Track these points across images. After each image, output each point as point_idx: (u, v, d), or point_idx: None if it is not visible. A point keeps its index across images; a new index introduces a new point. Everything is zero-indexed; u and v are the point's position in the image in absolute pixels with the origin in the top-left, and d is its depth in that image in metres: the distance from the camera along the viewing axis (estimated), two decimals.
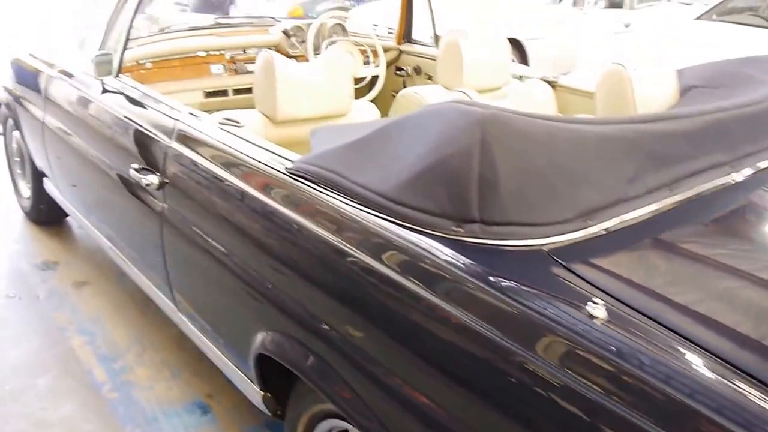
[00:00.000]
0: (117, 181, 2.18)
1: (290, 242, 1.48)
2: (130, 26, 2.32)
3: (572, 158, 1.28)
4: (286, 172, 1.50)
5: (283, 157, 1.58)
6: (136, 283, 2.36)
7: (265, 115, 2.05)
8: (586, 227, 1.21)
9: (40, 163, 3.00)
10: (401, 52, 3.55)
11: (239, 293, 1.64)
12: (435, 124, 1.27)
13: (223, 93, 3.10)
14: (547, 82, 2.81)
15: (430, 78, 3.39)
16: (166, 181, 1.88)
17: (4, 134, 3.52)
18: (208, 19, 3.51)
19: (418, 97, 2.56)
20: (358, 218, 1.30)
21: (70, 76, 2.61)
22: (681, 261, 1.29)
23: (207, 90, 3.04)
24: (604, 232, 1.22)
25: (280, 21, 3.35)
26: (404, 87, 3.51)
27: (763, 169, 1.56)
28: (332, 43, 3.20)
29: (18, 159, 3.47)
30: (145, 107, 2.12)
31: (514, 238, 1.16)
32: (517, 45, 6.41)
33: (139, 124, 2.07)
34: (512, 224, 1.18)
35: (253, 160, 1.63)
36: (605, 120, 1.36)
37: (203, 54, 3.03)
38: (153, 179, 1.90)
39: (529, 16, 6.62)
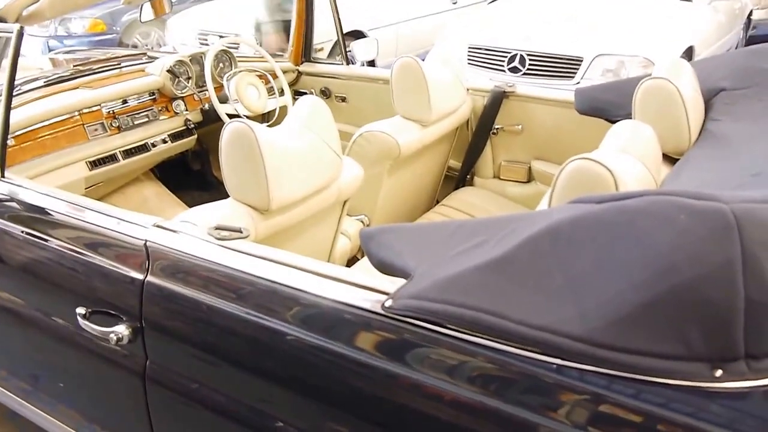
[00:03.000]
0: (53, 334, 1.56)
1: (407, 414, 1.06)
2: (9, 103, 1.66)
3: None
4: (386, 312, 1.06)
5: (361, 286, 1.13)
6: None
7: (251, 206, 1.54)
8: None
9: None
10: (300, 73, 3.08)
11: None
12: (651, 234, 0.90)
13: (112, 159, 2.43)
14: (504, 92, 2.55)
15: (343, 100, 2.98)
16: (142, 326, 1.33)
17: None
18: (63, 66, 2.76)
19: (387, 137, 2.15)
20: (539, 373, 0.93)
21: None
22: None
23: (90, 159, 2.37)
24: None
25: (157, 56, 2.72)
26: None
27: None
28: (231, 76, 2.65)
29: None
30: (75, 220, 1.50)
31: None
32: (359, 37, 6.13)
33: (75, 250, 1.46)
34: None
35: (309, 294, 1.16)
36: None
37: (74, 114, 2.34)
38: (122, 330, 1.34)
39: (367, 7, 6.33)
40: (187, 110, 2.72)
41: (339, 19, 2.90)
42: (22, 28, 1.61)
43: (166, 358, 1.35)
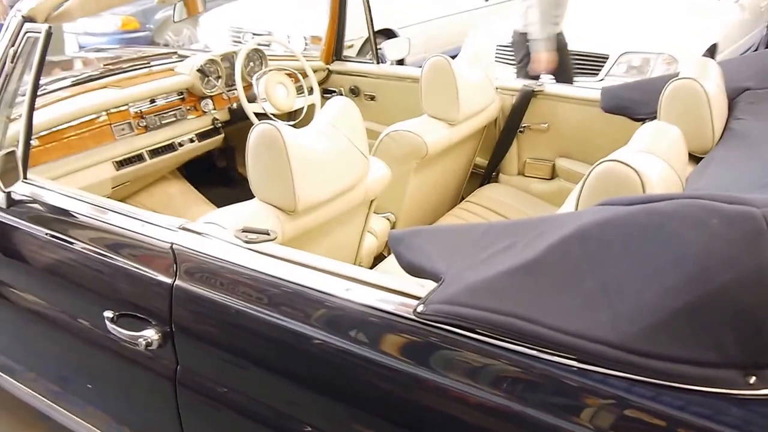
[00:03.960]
0: (82, 338, 1.54)
1: (434, 415, 1.04)
2: (32, 104, 1.65)
3: None
4: (417, 317, 1.03)
5: (390, 290, 1.10)
6: None
7: (277, 207, 1.51)
8: None
9: None
10: (330, 72, 3.05)
11: None
12: (683, 237, 0.88)
13: (139, 158, 2.42)
14: (533, 91, 2.49)
15: (372, 98, 2.95)
16: (173, 330, 1.31)
17: None
18: (93, 65, 2.76)
19: (414, 136, 2.11)
20: (575, 380, 0.91)
21: None
22: None
23: (117, 159, 2.36)
24: None
25: (188, 56, 2.71)
26: None
27: None
28: (263, 74, 2.62)
29: None
30: (99, 222, 1.48)
31: None
32: (389, 35, 6.09)
33: (101, 252, 1.44)
34: None
35: (338, 299, 1.13)
36: None
37: (101, 114, 2.33)
38: (151, 334, 1.32)
39: (397, 5, 6.28)
40: (215, 109, 2.71)
41: (371, 17, 2.86)
42: (50, 28, 1.59)
43: (197, 362, 1.34)
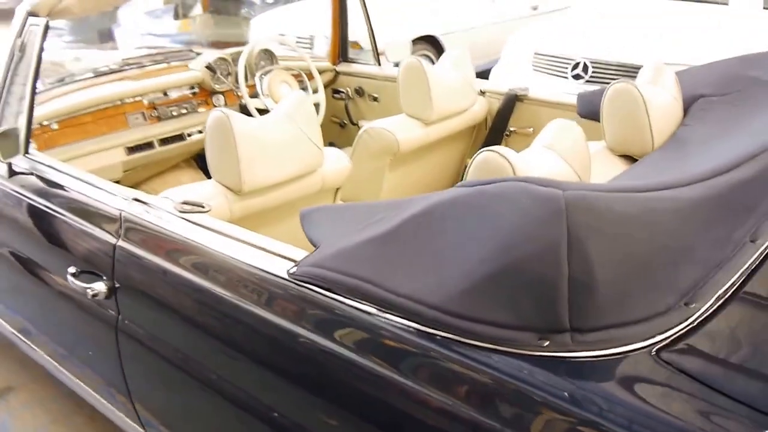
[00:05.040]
0: (51, 288, 1.77)
1: (299, 363, 1.19)
2: (33, 89, 1.89)
3: (673, 233, 1.05)
4: (290, 278, 1.18)
5: (281, 256, 1.25)
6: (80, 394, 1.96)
7: (227, 187, 1.69)
8: (690, 313, 0.99)
9: None
10: (337, 73, 3.23)
11: (230, 419, 1.35)
12: (500, 213, 0.99)
13: (149, 146, 2.67)
14: (516, 96, 2.59)
15: (375, 99, 3.10)
16: (117, 285, 1.51)
17: None
18: (113, 58, 3.04)
19: (388, 134, 2.25)
20: (402, 337, 1.03)
21: None
22: None
23: (129, 145, 2.61)
24: (708, 314, 1.00)
25: (200, 53, 2.94)
26: (346, 111, 3.21)
27: None
28: (266, 73, 2.83)
29: None
30: (73, 192, 1.70)
31: (613, 344, 0.93)
32: (432, 41, 6.21)
33: (69, 217, 1.66)
34: (611, 327, 0.95)
35: (237, 261, 1.29)
36: (691, 178, 1.14)
37: (117, 103, 2.59)
38: (100, 287, 1.52)
39: (440, 12, 6.41)
40: (225, 104, 2.92)
41: (370, 21, 3.03)
42: (47, 22, 1.84)
43: (134, 314, 1.52)
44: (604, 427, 0.84)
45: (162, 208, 1.51)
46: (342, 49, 3.18)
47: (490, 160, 1.29)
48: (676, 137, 1.81)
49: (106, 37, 7.69)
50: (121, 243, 1.50)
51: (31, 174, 1.85)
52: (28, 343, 2.08)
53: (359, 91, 3.15)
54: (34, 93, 1.89)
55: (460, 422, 0.96)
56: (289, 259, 1.24)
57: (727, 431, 0.83)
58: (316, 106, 2.99)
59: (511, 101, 2.61)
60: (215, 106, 2.91)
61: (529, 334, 0.94)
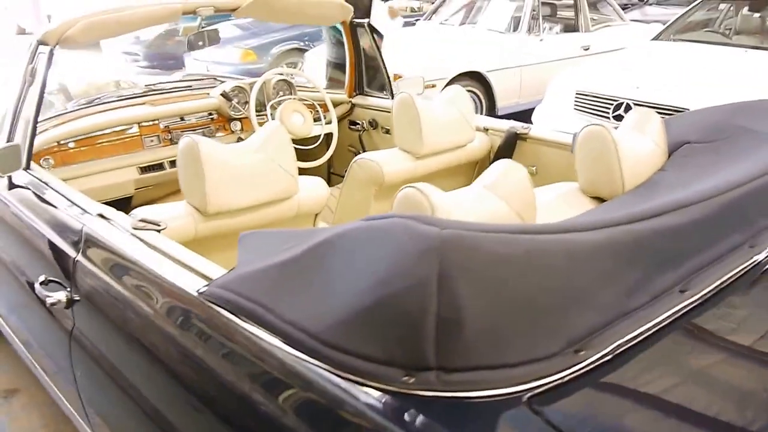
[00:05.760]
0: (29, 292, 1.89)
1: (202, 379, 1.22)
2: (37, 112, 2.04)
3: (560, 278, 1.03)
4: (198, 297, 1.23)
5: (201, 275, 1.30)
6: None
7: (195, 208, 1.77)
8: (578, 361, 0.97)
9: None
10: (353, 105, 3.30)
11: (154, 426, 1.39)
12: (379, 248, 1.00)
13: (159, 167, 2.81)
14: (516, 134, 2.59)
15: (387, 132, 3.15)
16: (76, 298, 1.59)
17: None
18: (138, 85, 3.22)
19: (374, 164, 2.30)
20: (284, 363, 1.05)
21: None
22: (700, 389, 1.04)
23: (141, 165, 2.75)
24: (598, 363, 0.98)
25: (223, 81, 3.08)
26: (360, 142, 3.27)
27: None
28: (278, 103, 2.94)
29: None
30: (52, 207, 1.82)
31: (482, 387, 0.92)
32: (479, 78, 6.24)
33: (45, 229, 1.78)
34: (480, 368, 0.93)
35: (163, 277, 1.36)
36: (599, 223, 1.12)
37: (134, 125, 2.74)
38: (60, 296, 1.61)
39: (486, 48, 6.44)
40: (242, 130, 3.05)
41: (382, 57, 3.09)
42: (51, 50, 1.99)
43: (85, 325, 1.60)
44: None
45: (119, 226, 1.59)
46: (358, 81, 3.25)
47: (410, 196, 1.31)
48: (650, 181, 1.77)
49: (179, 63, 8.12)
50: (79, 258, 1.59)
51: (27, 188, 1.99)
52: (22, 348, 2.20)
53: (373, 123, 3.21)
54: (38, 114, 2.04)
55: None
56: (205, 277, 1.29)
57: None
58: (329, 136, 3.08)
59: (512, 139, 2.60)
60: (233, 132, 3.03)
61: (394, 370, 0.94)
